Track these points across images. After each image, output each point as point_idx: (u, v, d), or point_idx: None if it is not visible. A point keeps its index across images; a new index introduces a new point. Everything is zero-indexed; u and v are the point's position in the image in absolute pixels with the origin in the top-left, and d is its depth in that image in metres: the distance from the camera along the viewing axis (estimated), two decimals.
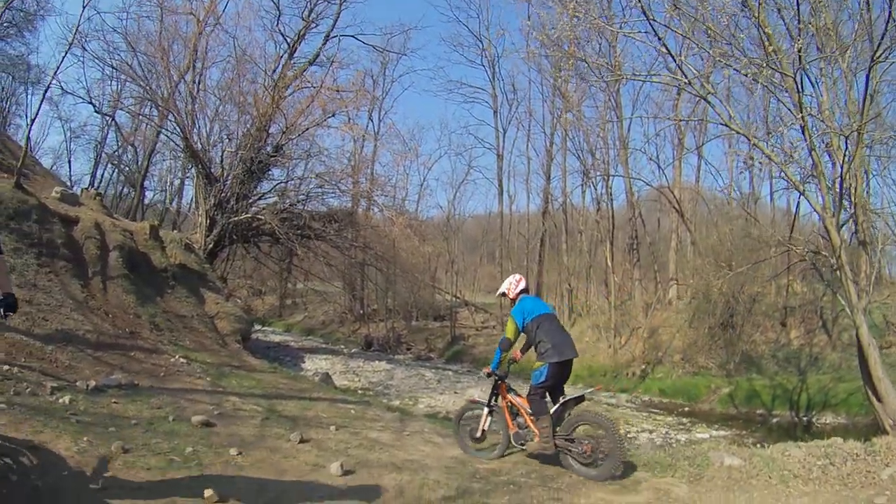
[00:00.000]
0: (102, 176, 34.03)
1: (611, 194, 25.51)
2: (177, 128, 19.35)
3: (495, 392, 7.84)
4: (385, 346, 27.29)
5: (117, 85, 21.35)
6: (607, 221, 25.12)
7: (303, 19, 21.40)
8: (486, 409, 7.84)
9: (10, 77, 31.00)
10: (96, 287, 13.60)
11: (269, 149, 19.78)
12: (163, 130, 23.19)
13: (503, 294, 7.82)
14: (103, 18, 35.61)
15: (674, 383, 18.76)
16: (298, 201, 20.25)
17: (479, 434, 7.87)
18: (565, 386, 7.37)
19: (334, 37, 21.99)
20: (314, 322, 35.03)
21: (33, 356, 10.19)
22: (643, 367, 20.43)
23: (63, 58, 17.27)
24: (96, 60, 19.59)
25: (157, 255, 15.71)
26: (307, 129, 19.83)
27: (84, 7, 14.72)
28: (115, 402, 9.21)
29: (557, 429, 6.90)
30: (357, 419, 10.17)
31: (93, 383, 9.83)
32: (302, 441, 8.48)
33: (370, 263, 22.67)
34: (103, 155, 32.75)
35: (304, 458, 7.83)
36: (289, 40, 21.18)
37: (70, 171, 35.35)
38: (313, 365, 19.15)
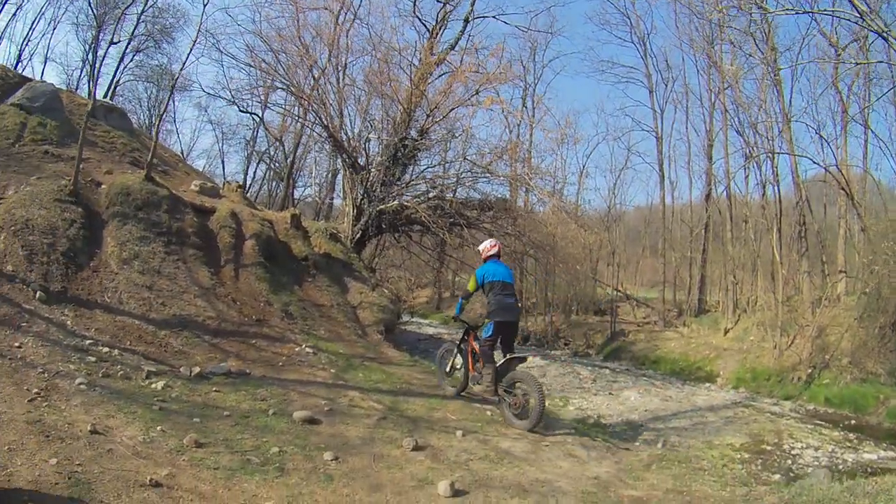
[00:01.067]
0: (254, 174, 35.59)
1: (777, 176, 21.95)
2: (321, 121, 19.05)
3: (465, 337, 8.94)
4: (542, 341, 25.74)
5: (259, 82, 20.97)
6: (773, 207, 21.90)
7: (440, 1, 19.74)
8: (455, 350, 9.26)
9: (156, 87, 32.91)
10: (227, 275, 12.89)
11: (413, 133, 18.71)
12: (307, 124, 23.27)
13: (479, 252, 9.06)
14: (233, 18, 37.14)
15: (840, 391, 15.95)
16: (447, 187, 19.02)
17: (448, 369, 9.38)
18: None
19: (476, 18, 20.61)
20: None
21: (142, 340, 9.49)
22: (809, 371, 16.97)
23: (187, 56, 18.11)
24: (233, 60, 19.26)
25: (297, 244, 14.93)
26: (452, 109, 18.33)
27: (205, 5, 14.27)
28: (215, 391, 8.08)
29: (502, 380, 7.96)
30: (491, 423, 8.15)
31: (197, 370, 8.79)
32: (416, 448, 6.65)
33: (528, 253, 20.97)
34: (254, 153, 34.25)
35: (412, 469, 6.01)
36: (428, 25, 19.80)
37: (223, 171, 37.53)
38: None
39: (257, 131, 32.26)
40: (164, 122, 33.84)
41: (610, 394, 14.97)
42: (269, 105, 25.68)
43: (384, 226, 18.55)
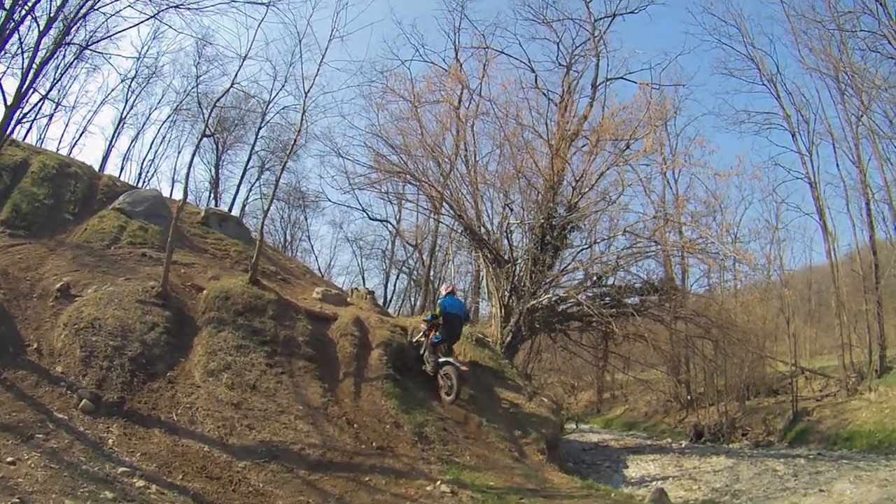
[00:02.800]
0: (394, 286, 34.18)
1: None
2: (455, 214, 17.17)
3: (427, 330, 11.63)
4: (717, 435, 22.65)
5: (386, 185, 19.49)
6: None
7: (562, 65, 18.55)
8: (421, 334, 11.86)
9: (287, 205, 32.48)
10: (345, 391, 10.23)
11: (562, 210, 16.24)
12: (442, 221, 21.71)
13: (440, 292, 13.47)
14: (349, 121, 36.91)
15: None
16: (607, 271, 16.11)
17: (415, 344, 11.90)
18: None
19: (602, 83, 18.55)
20: (636, 414, 31.38)
21: (203, 473, 6.60)
22: None
23: (286, 159, 15.60)
24: (355, 164, 17.98)
25: None
26: (602, 174, 15.75)
27: (302, 115, 13.29)
28: None
29: (440, 369, 11.09)
30: None
31: None
32: None
33: (701, 336, 17.67)
34: (392, 265, 32.98)
35: None
36: (553, 98, 18.23)
37: (364, 285, 35.77)
38: (638, 470, 15.05)
39: (393, 241, 31.25)
40: (300, 241, 34.03)
41: (821, 490, 12.36)
42: (403, 204, 25.07)
43: (537, 325, 15.62)
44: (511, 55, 19.14)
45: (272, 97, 24.14)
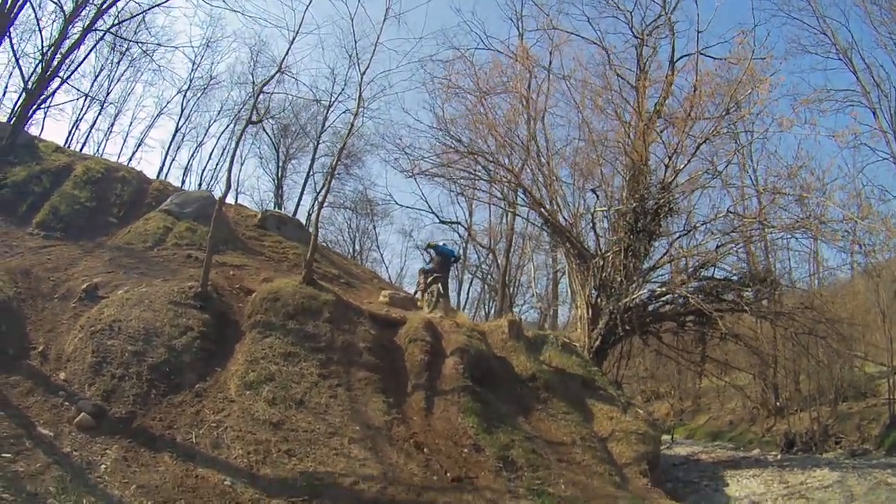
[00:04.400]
0: (468, 293, 32.71)
1: None
2: (533, 202, 15.50)
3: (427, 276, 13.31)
4: (809, 443, 20.51)
5: (452, 174, 18.06)
6: None
7: (637, 36, 16.44)
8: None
9: (354, 213, 31.27)
10: (414, 406, 8.78)
11: (653, 190, 14.20)
12: (518, 214, 20.18)
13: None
14: (416, 117, 35.31)
15: None
16: (707, 263, 14.10)
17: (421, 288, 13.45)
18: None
19: (679, 59, 16.23)
20: (720, 423, 28.72)
21: None
22: None
23: (330, 178, 14.52)
24: (422, 158, 16.54)
25: (520, 359, 11.20)
26: (701, 143, 13.47)
27: (359, 99, 12.40)
28: None
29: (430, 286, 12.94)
30: None
31: None
32: None
33: (806, 333, 15.20)
34: (465, 271, 30.98)
35: None
36: (628, 78, 16.34)
37: None
38: (741, 488, 13.48)
39: (466, 245, 29.31)
40: (370, 251, 33.07)
41: None
42: (475, 204, 23.85)
43: (629, 326, 13.73)
44: (580, 35, 17.33)
45: (332, 100, 23.37)
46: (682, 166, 13.68)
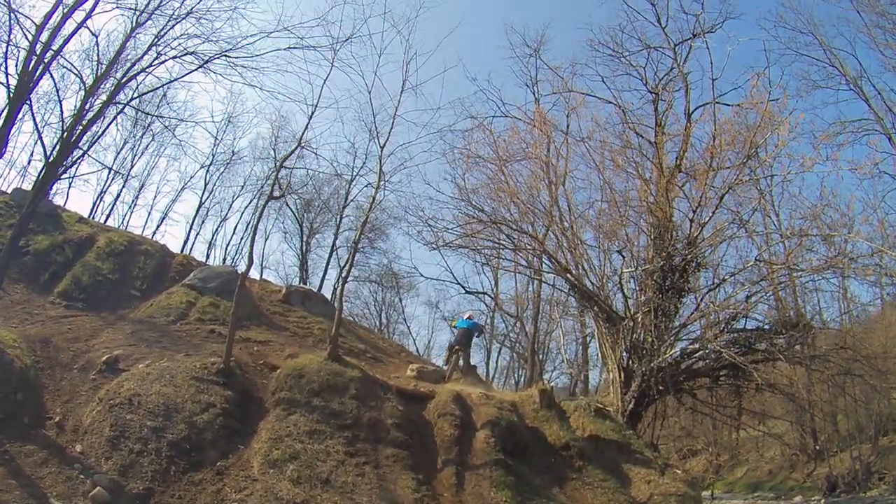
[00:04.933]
0: (496, 362, 31.90)
1: None
2: (559, 268, 15.37)
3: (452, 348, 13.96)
4: (852, 484, 20.98)
5: (478, 247, 18.03)
6: None
7: (652, 91, 16.37)
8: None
9: (380, 286, 31.11)
10: (445, 482, 8.50)
11: (680, 247, 13.98)
12: (544, 280, 19.56)
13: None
14: (438, 188, 35.32)
15: None
16: (738, 314, 13.77)
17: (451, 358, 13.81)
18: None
19: (696, 108, 16.01)
20: (759, 474, 28.90)
21: None
22: None
23: (353, 253, 14.71)
24: (445, 231, 16.61)
25: (552, 428, 10.82)
26: (727, 189, 13.31)
27: (380, 172, 12.24)
28: None
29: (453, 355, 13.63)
30: None
31: None
32: None
33: (843, 373, 14.92)
34: (493, 340, 30.35)
35: None
36: (645, 135, 16.36)
37: None
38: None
39: (493, 314, 29.04)
40: (397, 324, 32.78)
41: None
42: (500, 273, 23.63)
43: (662, 387, 13.44)
44: (596, 96, 17.55)
45: (354, 174, 23.58)
46: (706, 219, 13.55)
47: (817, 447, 24.93)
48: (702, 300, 13.89)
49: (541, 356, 26.71)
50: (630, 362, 13.51)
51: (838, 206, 12.99)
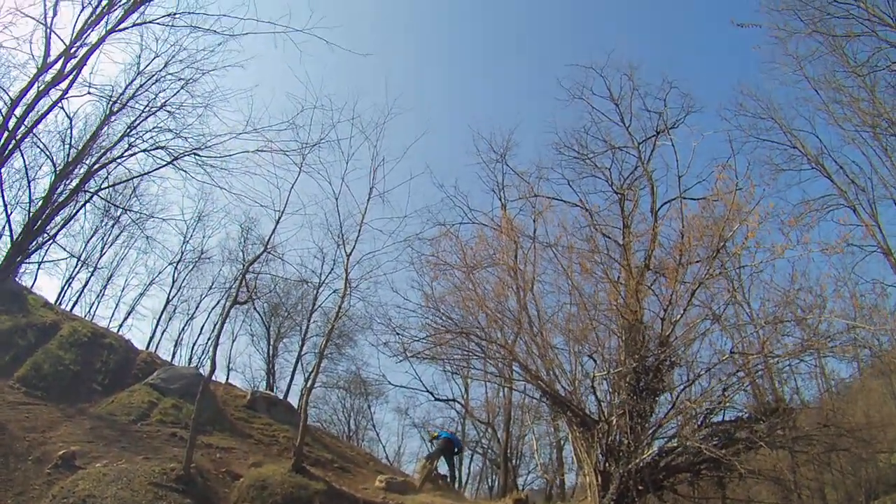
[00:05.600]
0: (469, 469, 30.64)
1: None
2: (530, 376, 14.90)
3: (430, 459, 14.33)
4: None
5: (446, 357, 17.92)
6: None
7: (618, 192, 16.91)
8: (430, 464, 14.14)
9: (348, 393, 30.70)
10: None
11: (652, 346, 13.82)
12: (515, 389, 19.03)
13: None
14: (405, 296, 35.09)
15: None
16: (716, 409, 13.68)
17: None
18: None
19: (662, 205, 16.69)
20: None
21: None
22: None
23: (319, 362, 14.59)
24: (411, 339, 16.65)
25: None
26: (698, 286, 13.21)
27: (346, 279, 12.72)
28: None
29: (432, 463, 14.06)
30: None
31: None
32: None
33: (828, 450, 14.70)
34: (465, 447, 29.49)
35: None
36: (613, 236, 16.68)
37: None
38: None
39: (464, 421, 28.40)
40: (366, 430, 31.95)
41: None
42: (470, 380, 23.05)
43: (641, 487, 12.95)
44: (562, 199, 18.02)
45: (321, 280, 23.46)
46: (678, 317, 13.55)
47: None
48: (677, 398, 13.69)
49: (514, 461, 26.04)
50: (607, 465, 13.14)
51: (810, 287, 13.32)
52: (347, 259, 12.27)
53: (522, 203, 18.63)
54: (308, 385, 16.78)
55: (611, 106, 17.57)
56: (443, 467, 14.46)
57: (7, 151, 9.29)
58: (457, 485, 15.78)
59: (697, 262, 13.71)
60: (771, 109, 23.63)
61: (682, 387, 14.44)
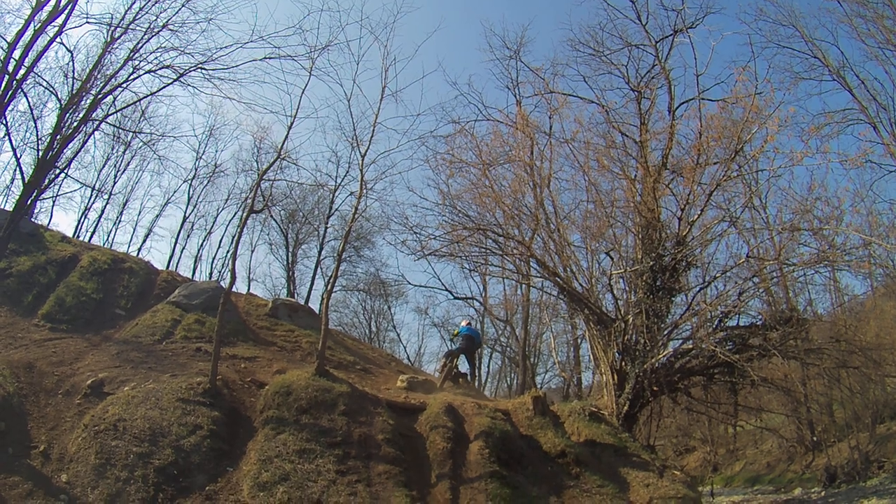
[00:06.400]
0: (489, 367, 31.64)
1: None
2: (547, 272, 14.96)
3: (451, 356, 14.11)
4: (852, 473, 20.49)
5: (465, 255, 17.87)
6: None
7: (634, 90, 16.32)
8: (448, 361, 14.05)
9: (368, 295, 30.99)
10: (439, 497, 8.31)
11: (669, 246, 13.74)
12: (532, 286, 19.58)
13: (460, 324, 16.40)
14: (422, 195, 35.00)
15: None
16: (730, 312, 13.61)
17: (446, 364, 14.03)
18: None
19: (680, 104, 16.04)
20: (756, 467, 28.25)
21: None
22: None
23: (338, 264, 14.41)
24: (431, 237, 16.53)
25: (547, 435, 10.62)
26: (716, 185, 13.01)
27: (361, 180, 12.29)
28: None
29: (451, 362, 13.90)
30: None
31: None
32: None
33: (839, 366, 15.03)
34: (484, 346, 30.17)
35: None
36: (628, 132, 16.22)
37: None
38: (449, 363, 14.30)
39: (482, 319, 28.59)
40: (387, 332, 32.73)
41: None
42: (488, 277, 23.38)
43: (657, 387, 13.19)
44: (578, 96, 17.22)
45: (338, 183, 23.60)
46: (695, 217, 13.39)
47: (814, 438, 24.91)
48: (693, 299, 13.72)
49: (532, 360, 26.46)
50: (623, 364, 13.36)
51: (828, 198, 12.81)
52: (362, 160, 12.07)
53: (538, 100, 17.91)
54: (328, 288, 17.13)
55: (627, 3, 16.62)
56: (463, 366, 14.32)
57: (10, 94, 8.98)
58: (476, 382, 16.03)
59: (715, 163, 13.25)
60: (792, 17, 21.88)
61: (697, 288, 14.36)
